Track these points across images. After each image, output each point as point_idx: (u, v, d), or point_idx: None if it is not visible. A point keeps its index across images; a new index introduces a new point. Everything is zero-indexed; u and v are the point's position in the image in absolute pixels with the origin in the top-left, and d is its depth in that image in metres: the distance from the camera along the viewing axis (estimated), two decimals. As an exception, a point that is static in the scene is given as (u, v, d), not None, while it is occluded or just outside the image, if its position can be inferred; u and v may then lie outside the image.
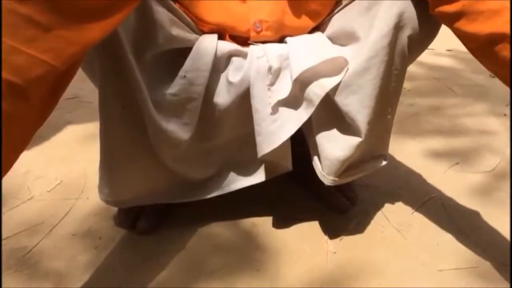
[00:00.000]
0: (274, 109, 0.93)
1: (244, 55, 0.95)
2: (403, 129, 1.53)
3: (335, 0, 0.98)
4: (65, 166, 1.31)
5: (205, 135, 0.99)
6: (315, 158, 0.98)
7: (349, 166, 0.95)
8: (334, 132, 0.93)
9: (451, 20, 0.77)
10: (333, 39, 0.96)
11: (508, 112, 1.64)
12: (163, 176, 1.00)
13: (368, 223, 1.10)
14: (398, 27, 0.83)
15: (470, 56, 0.81)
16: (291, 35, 0.97)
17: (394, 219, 1.11)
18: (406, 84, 1.79)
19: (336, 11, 0.97)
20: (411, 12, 0.83)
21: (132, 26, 0.84)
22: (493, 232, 1.06)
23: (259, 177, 1.05)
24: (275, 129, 0.93)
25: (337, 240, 1.05)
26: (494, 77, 1.86)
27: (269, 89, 0.93)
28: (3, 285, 0.93)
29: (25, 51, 0.57)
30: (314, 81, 0.89)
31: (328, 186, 1.12)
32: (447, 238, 1.05)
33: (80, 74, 0.72)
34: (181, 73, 0.91)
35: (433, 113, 1.65)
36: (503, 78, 0.75)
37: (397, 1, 0.83)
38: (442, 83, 1.85)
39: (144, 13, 0.84)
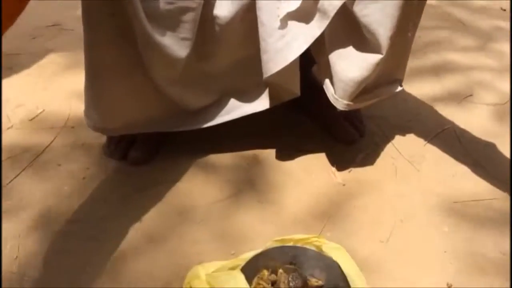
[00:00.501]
0: (283, 23, 0.82)
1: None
2: (411, 62, 1.43)
3: None
4: (47, 95, 1.19)
5: (204, 53, 0.89)
6: (327, 81, 0.89)
7: (363, 90, 0.86)
8: (350, 49, 0.83)
9: None
10: None
11: None
12: (157, 101, 0.90)
13: (378, 155, 1.03)
14: None
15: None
16: None
17: (406, 151, 1.04)
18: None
19: None
20: None
21: None
22: (509, 164, 1.00)
23: (263, 104, 0.96)
24: (283, 46, 0.83)
25: (345, 172, 0.98)
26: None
27: (278, -1, 0.82)
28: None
29: None
30: (330, -11, 0.79)
31: (335, 116, 1.05)
32: (463, 170, 0.99)
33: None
34: (178, -24, 0.79)
35: (443, 47, 1.55)
36: None
37: None
38: (452, 16, 1.74)
39: None
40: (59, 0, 1.67)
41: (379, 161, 1.01)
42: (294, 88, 0.92)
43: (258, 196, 0.92)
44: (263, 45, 0.84)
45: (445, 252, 0.82)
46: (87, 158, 0.99)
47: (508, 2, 1.70)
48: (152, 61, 0.82)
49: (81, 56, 0.81)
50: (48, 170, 0.96)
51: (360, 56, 0.82)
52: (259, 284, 0.73)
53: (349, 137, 1.05)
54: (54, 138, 1.04)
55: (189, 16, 0.81)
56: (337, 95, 0.86)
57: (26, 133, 1.05)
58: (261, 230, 0.85)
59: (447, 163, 1.01)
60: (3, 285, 0.74)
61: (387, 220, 0.87)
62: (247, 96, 0.95)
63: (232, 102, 0.96)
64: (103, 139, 1.02)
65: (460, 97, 1.22)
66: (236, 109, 0.96)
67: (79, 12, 0.76)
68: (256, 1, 0.82)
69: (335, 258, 0.74)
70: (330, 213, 0.89)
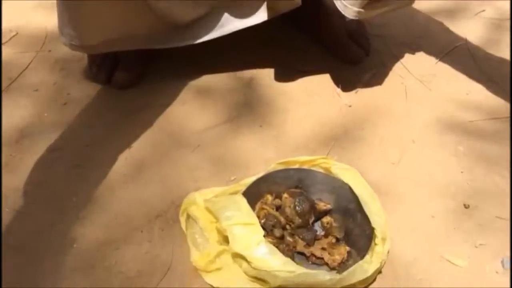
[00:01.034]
0: None
1: None
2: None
3: None
4: (21, 17, 1.08)
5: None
6: (334, -13, 0.79)
7: (374, -3, 0.77)
8: None
9: None
10: None
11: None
12: (141, 12, 0.79)
13: (385, 74, 0.95)
14: None
15: None
16: None
17: (416, 70, 0.95)
18: None
19: None
20: None
21: None
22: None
23: (260, 16, 0.85)
24: None
25: (351, 93, 0.90)
26: None
27: None
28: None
29: None
30: None
31: (339, 34, 0.96)
32: (477, 88, 0.91)
33: None
34: None
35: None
36: None
37: None
38: None
39: None
40: None
41: (387, 81, 0.93)
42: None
43: (257, 120, 0.84)
44: None
45: (461, 172, 0.76)
46: (68, 82, 0.90)
47: None
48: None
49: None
50: (25, 97, 0.87)
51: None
52: (262, 209, 0.67)
53: (354, 56, 0.96)
54: (30, 62, 0.94)
55: None
56: (346, 1, 0.76)
57: (-2, 57, 0.95)
58: (262, 155, 0.78)
59: (460, 81, 0.93)
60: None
61: (398, 142, 0.81)
62: (242, 7, 0.85)
63: (225, 15, 0.86)
64: (84, 62, 0.92)
65: (473, 12, 1.12)
66: (229, 23, 0.86)
67: None
68: None
69: (345, 180, 0.67)
70: (336, 136, 0.82)
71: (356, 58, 0.96)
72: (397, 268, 0.64)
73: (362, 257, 0.61)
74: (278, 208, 0.68)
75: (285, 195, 0.69)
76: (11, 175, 0.73)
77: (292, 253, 0.64)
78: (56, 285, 0.61)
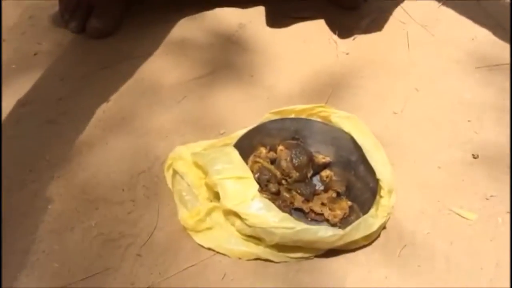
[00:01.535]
0: None
1: None
2: None
3: None
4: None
5: None
6: None
7: None
8: None
9: None
10: None
11: None
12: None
13: (385, 20, 0.87)
14: None
15: None
16: None
17: (417, 15, 0.88)
18: None
19: None
20: None
21: None
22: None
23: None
24: None
25: (349, 40, 0.83)
26: None
27: None
28: None
29: None
30: None
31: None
32: (483, 33, 0.85)
33: None
34: None
35: None
36: None
37: None
38: None
39: None
40: None
41: (388, 27, 0.86)
42: None
43: (248, 70, 0.78)
44: None
45: (468, 121, 0.70)
46: (38, 31, 0.82)
47: None
48: None
49: None
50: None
51: None
52: (256, 162, 0.61)
53: (352, 1, 0.89)
54: (-5, 11, 0.85)
55: None
56: None
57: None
58: (254, 107, 0.72)
59: (465, 26, 0.87)
60: None
61: (401, 90, 0.75)
62: None
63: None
64: (55, 8, 0.83)
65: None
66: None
67: None
68: None
69: (346, 129, 0.61)
70: (333, 85, 0.75)
71: (354, 3, 0.89)
72: (402, 222, 0.59)
73: (365, 212, 0.56)
74: (273, 161, 0.62)
75: (281, 147, 0.63)
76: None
77: (289, 210, 0.58)
78: (32, 248, 0.55)
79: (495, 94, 0.74)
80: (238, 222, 0.54)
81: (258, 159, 0.61)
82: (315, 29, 0.86)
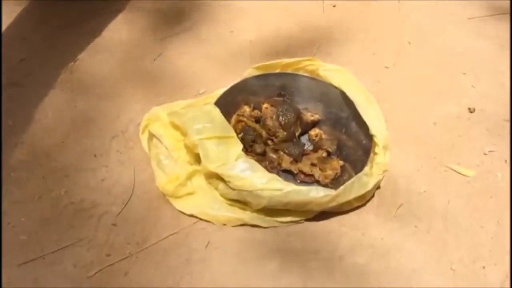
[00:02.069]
0: None
1: None
2: None
3: None
4: None
5: None
6: None
7: None
8: None
9: None
10: None
11: None
12: None
13: (373, -30, 0.82)
14: None
15: None
16: None
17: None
18: None
19: None
20: None
21: None
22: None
23: None
24: None
25: (335, -9, 0.78)
26: None
27: None
28: None
29: None
30: None
31: None
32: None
33: None
34: None
35: None
36: None
37: None
38: None
39: None
40: None
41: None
42: None
43: (227, 25, 0.72)
44: None
45: (464, 74, 0.66)
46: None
47: None
48: None
49: None
50: None
51: None
52: (239, 121, 0.56)
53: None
54: None
55: None
56: None
57: None
58: (235, 64, 0.67)
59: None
60: None
61: (392, 44, 0.71)
62: None
63: None
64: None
65: None
66: None
67: None
68: None
69: (335, 83, 0.57)
70: (320, 40, 0.71)
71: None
72: (397, 181, 0.55)
73: (358, 171, 0.52)
74: (258, 120, 0.58)
75: (266, 105, 0.58)
76: None
77: (276, 171, 0.54)
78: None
79: (491, 46, 0.70)
80: (221, 185, 0.50)
81: (241, 118, 0.56)
82: (299, -19, 0.80)
